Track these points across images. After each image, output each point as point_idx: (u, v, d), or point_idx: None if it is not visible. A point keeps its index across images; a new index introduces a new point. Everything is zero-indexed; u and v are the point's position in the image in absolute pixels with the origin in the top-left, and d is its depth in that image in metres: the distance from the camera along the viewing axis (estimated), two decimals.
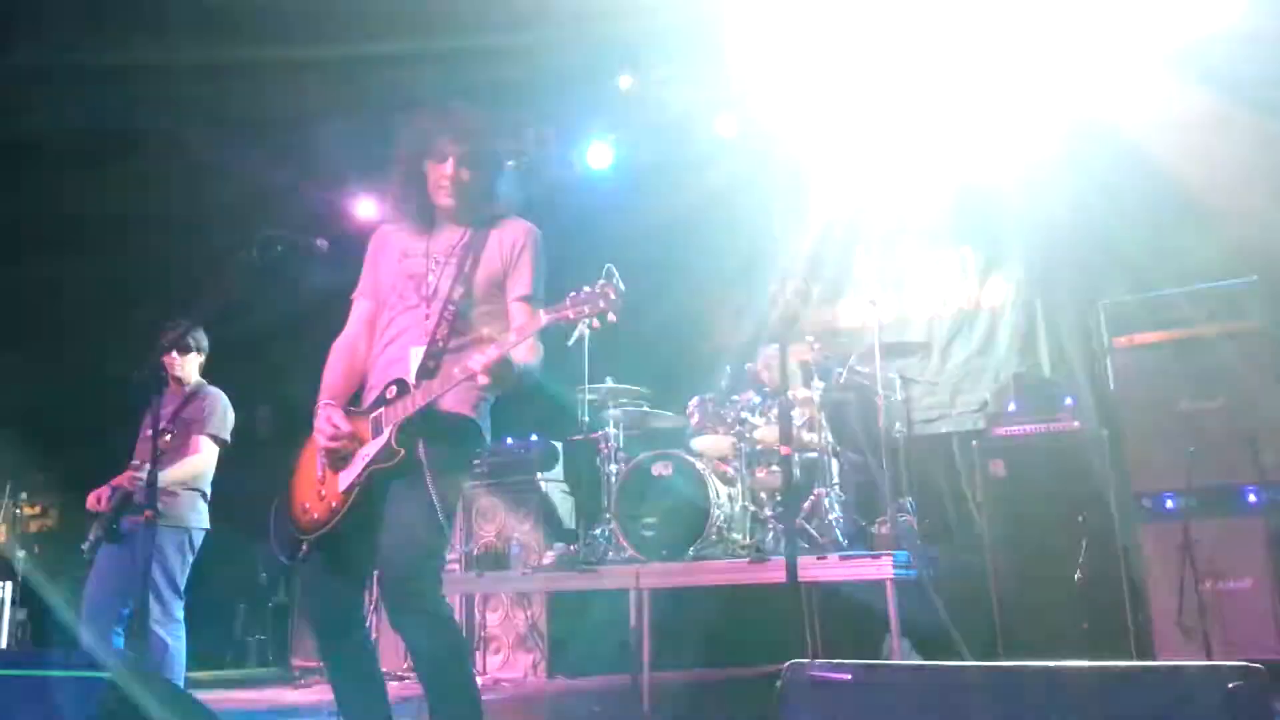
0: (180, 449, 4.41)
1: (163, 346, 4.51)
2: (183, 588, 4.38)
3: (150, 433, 4.33)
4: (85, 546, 4.36)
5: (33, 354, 7.37)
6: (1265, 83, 5.20)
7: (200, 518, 4.48)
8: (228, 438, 4.56)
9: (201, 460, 4.43)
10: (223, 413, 4.55)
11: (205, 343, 4.69)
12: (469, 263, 2.81)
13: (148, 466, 4.20)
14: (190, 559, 4.43)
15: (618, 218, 7.55)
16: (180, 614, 4.32)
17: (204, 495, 4.50)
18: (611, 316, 2.45)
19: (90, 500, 4.41)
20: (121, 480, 4.41)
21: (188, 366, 4.60)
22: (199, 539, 4.47)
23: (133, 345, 4.61)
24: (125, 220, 7.44)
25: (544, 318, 2.52)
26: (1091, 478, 4.80)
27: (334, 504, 2.71)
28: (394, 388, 2.71)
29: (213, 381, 4.69)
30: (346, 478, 2.71)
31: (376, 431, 2.69)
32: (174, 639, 4.23)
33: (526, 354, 2.68)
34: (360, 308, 2.99)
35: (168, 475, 4.25)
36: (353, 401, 2.87)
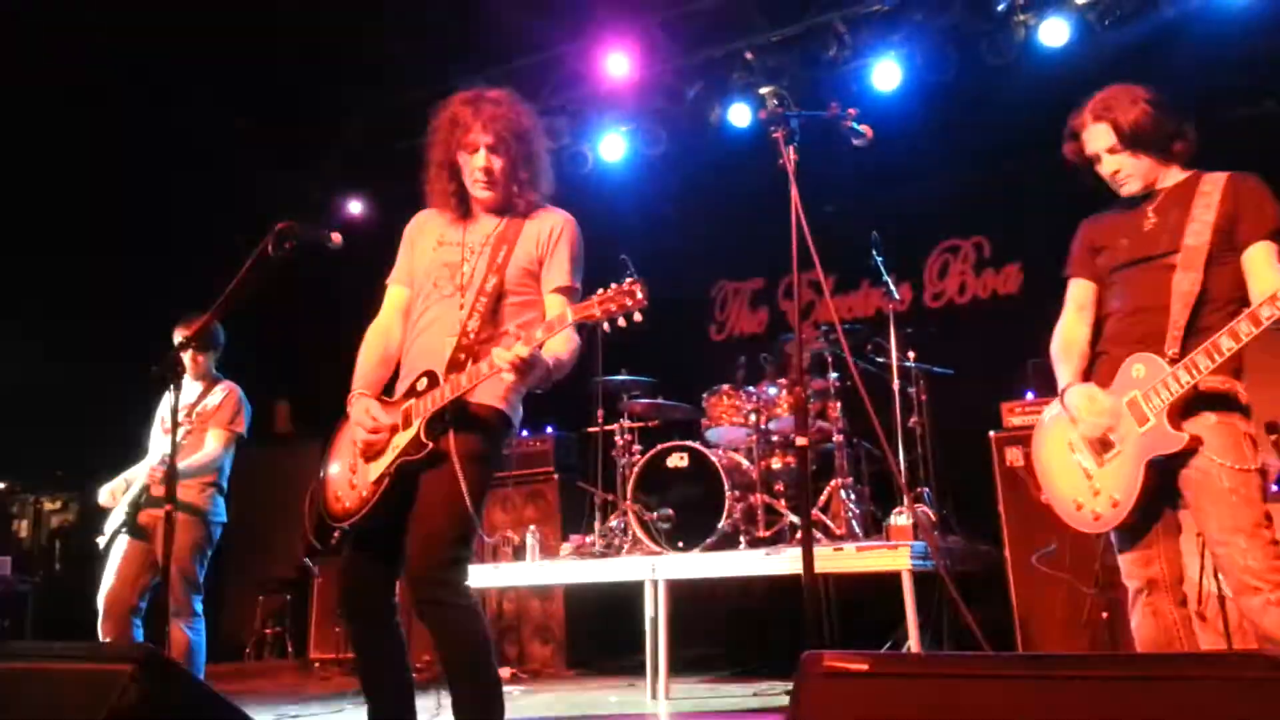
0: (197, 443, 4.44)
1: (180, 340, 4.54)
2: (201, 581, 4.40)
3: (167, 427, 4.38)
4: (101, 541, 4.40)
5: (51, 348, 7.43)
6: None
7: (218, 511, 4.50)
8: (244, 432, 4.58)
9: (215, 453, 4.45)
10: (238, 407, 4.57)
11: (221, 337, 4.71)
12: (503, 253, 2.80)
13: (164, 460, 4.26)
14: (209, 552, 4.46)
15: (631, 206, 7.55)
16: (199, 607, 4.35)
17: (221, 489, 4.52)
18: (637, 316, 2.45)
19: (103, 495, 4.45)
20: (136, 474, 4.44)
21: (204, 360, 4.62)
22: (217, 533, 4.49)
23: (150, 339, 4.66)
24: (139, 215, 7.49)
25: (571, 315, 2.52)
26: None
27: (365, 493, 2.72)
28: (424, 379, 2.72)
29: (231, 375, 4.71)
30: (377, 468, 2.72)
31: (406, 423, 2.70)
32: (193, 632, 4.27)
33: (561, 347, 2.68)
34: (395, 294, 2.98)
35: (182, 468, 4.26)
36: (386, 389, 2.87)
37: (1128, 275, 2.83)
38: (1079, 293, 3.00)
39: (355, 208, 8.18)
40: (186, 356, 4.54)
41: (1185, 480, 2.63)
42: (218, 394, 4.55)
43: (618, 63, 7.01)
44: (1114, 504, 2.69)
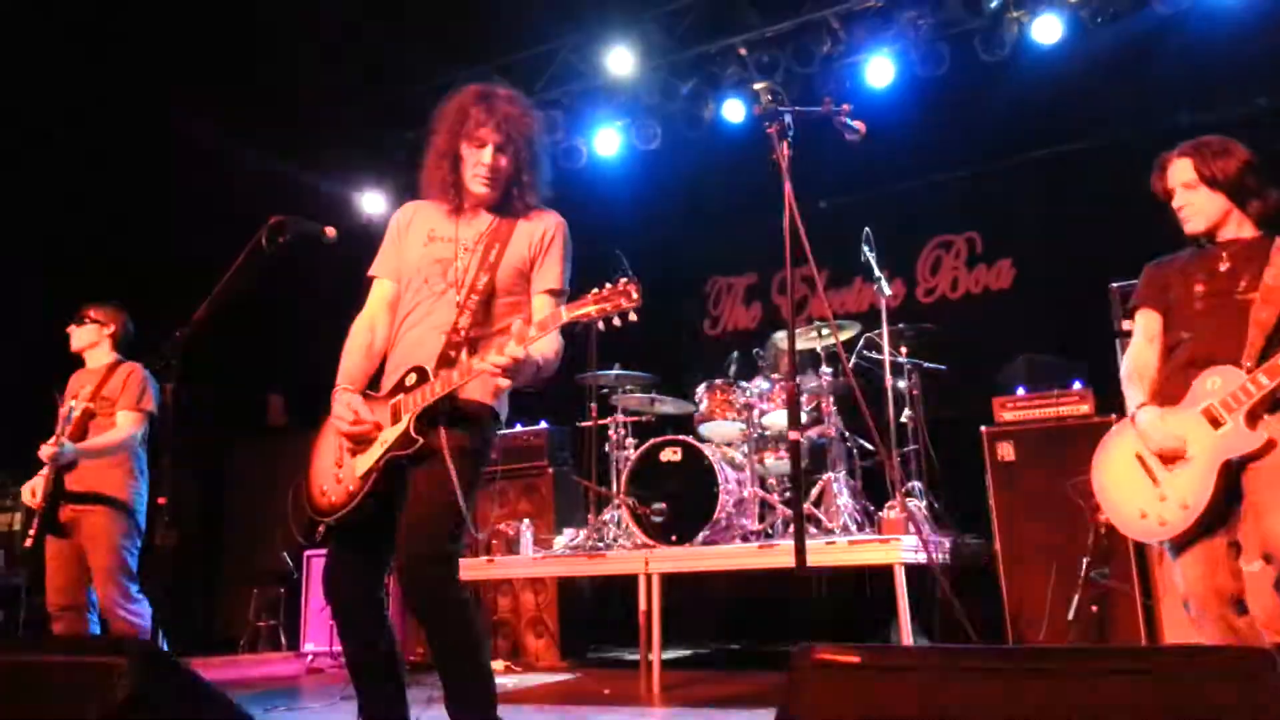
0: (106, 426, 4.36)
1: (75, 319, 4.53)
2: (135, 569, 4.31)
3: (69, 412, 4.34)
4: (29, 543, 4.31)
5: (43, 341, 7.41)
6: None
7: (139, 497, 4.41)
8: (154, 410, 4.46)
9: (126, 433, 4.36)
10: (144, 385, 4.46)
11: (120, 319, 4.63)
12: (495, 251, 2.79)
13: (65, 442, 4.22)
14: (138, 539, 4.37)
15: (625, 201, 7.56)
16: (137, 591, 4.28)
17: (140, 471, 4.44)
18: (632, 316, 2.45)
19: (25, 494, 4.38)
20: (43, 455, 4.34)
21: (100, 341, 4.56)
22: (142, 518, 4.40)
23: (143, 332, 4.65)
24: (133, 209, 7.47)
25: (565, 314, 2.52)
26: None
27: (352, 489, 2.71)
28: (413, 375, 2.71)
29: (226, 368, 4.68)
30: (364, 463, 2.71)
31: (395, 418, 2.70)
32: (137, 618, 4.20)
33: (547, 347, 2.68)
34: (381, 288, 2.95)
35: (86, 449, 4.24)
36: (371, 384, 2.86)
37: (1206, 307, 2.92)
38: (1149, 324, 3.08)
39: (373, 204, 8.17)
40: (89, 333, 4.52)
41: (1253, 474, 2.71)
42: (121, 375, 4.47)
43: (620, 59, 7.00)
44: (1184, 507, 2.75)
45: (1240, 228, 2.94)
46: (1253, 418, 2.70)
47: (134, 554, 4.33)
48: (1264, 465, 2.69)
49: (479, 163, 2.81)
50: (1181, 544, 2.79)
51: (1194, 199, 2.94)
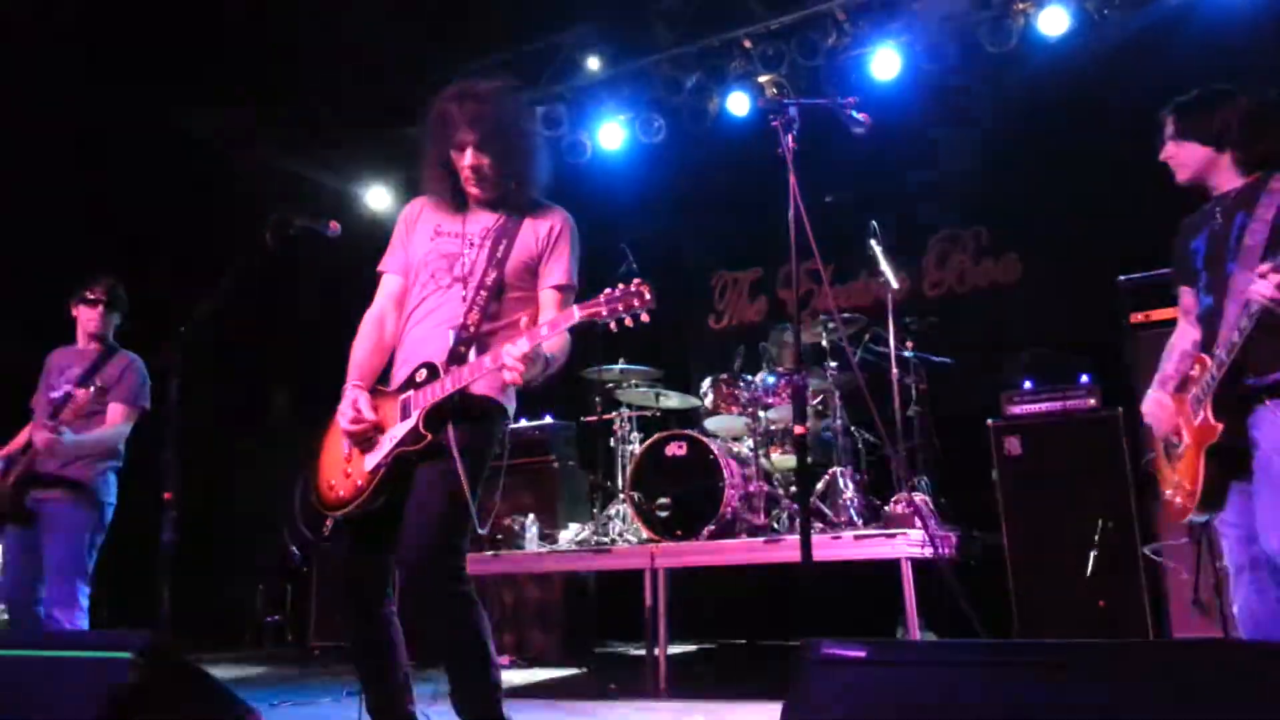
0: (96, 415, 4.08)
1: (82, 298, 4.24)
2: (90, 571, 4.01)
3: (54, 395, 4.07)
4: None
5: (49, 335, 7.42)
6: None
7: (111, 492, 4.15)
8: (148, 406, 4.24)
9: (122, 431, 4.13)
10: (143, 380, 4.23)
11: (124, 301, 4.38)
12: (503, 247, 2.80)
13: (66, 430, 3.88)
14: (100, 535, 4.08)
15: (629, 196, 7.55)
16: (85, 600, 3.95)
17: (116, 469, 4.18)
18: (644, 317, 2.45)
19: None
20: (15, 446, 4.12)
21: (107, 323, 4.29)
22: (109, 516, 4.13)
23: (155, 328, 4.62)
24: (143, 206, 7.48)
25: (577, 314, 2.51)
26: (1107, 455, 4.79)
27: (360, 483, 2.71)
28: (423, 371, 2.71)
29: (230, 363, 4.63)
30: (373, 458, 2.71)
31: (404, 414, 2.70)
32: (75, 628, 3.89)
33: (555, 345, 2.68)
34: (389, 283, 2.96)
35: (83, 442, 3.97)
36: (381, 378, 2.86)
37: (1207, 280, 2.95)
38: (1185, 300, 3.11)
39: (377, 199, 8.20)
40: (86, 315, 4.23)
41: (1254, 464, 2.72)
42: (118, 364, 4.21)
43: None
44: (1189, 493, 2.83)
45: (1229, 178, 2.96)
46: (1218, 406, 2.72)
47: (93, 552, 4.03)
48: (1259, 458, 2.69)
49: (464, 165, 2.81)
50: (1219, 515, 2.84)
51: (1176, 151, 3.02)
